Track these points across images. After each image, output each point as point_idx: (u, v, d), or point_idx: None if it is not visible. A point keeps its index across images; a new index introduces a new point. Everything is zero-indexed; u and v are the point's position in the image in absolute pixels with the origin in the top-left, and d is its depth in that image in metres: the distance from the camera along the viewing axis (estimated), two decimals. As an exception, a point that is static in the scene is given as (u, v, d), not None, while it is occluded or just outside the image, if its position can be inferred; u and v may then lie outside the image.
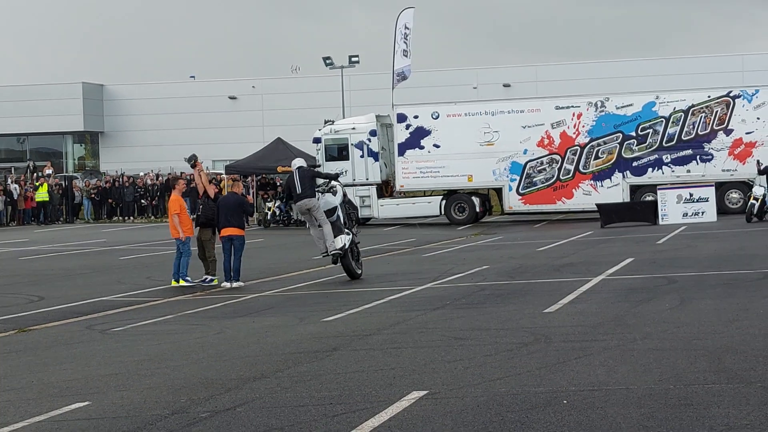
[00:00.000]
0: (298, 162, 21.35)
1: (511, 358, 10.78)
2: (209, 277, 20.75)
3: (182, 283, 20.41)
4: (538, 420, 8.09)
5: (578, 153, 37.44)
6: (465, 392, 9.25)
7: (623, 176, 37.04)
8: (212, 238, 20.98)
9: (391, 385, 9.75)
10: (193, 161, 21.55)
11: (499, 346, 11.60)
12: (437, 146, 38.49)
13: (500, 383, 9.56)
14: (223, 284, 20.27)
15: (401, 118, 38.97)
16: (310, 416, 8.65)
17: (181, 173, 47.04)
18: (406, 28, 41.83)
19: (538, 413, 8.31)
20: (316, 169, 23.92)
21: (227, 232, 20.37)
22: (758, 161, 33.73)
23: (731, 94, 36.72)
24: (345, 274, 20.33)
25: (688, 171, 36.51)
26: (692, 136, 36.65)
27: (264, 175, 44.11)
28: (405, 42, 41.66)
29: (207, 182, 21.81)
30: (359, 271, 20.56)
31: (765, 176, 31.96)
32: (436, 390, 9.37)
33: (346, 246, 20.10)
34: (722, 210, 35.02)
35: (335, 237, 20.02)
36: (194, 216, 21.68)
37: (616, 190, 36.85)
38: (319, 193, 20.81)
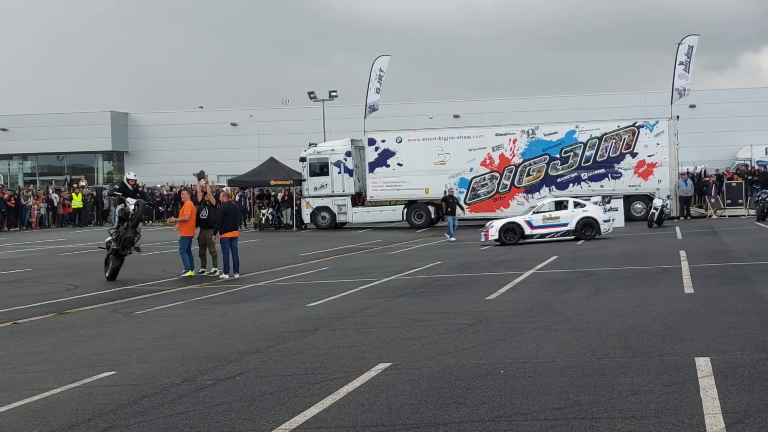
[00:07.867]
0: None
1: (459, 337, 10.79)
2: (204, 269, 20.70)
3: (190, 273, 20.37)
4: (481, 386, 8.11)
5: (514, 171, 37.62)
6: (422, 364, 9.25)
7: (549, 190, 37.19)
8: (213, 238, 20.93)
9: (362, 358, 9.74)
10: (201, 176, 21.68)
11: (450, 326, 11.62)
12: (400, 165, 38.60)
13: (450, 356, 9.57)
14: (222, 276, 20.17)
15: (371, 141, 39.08)
16: (296, 383, 8.62)
17: (191, 185, 46.95)
18: (381, 70, 42.25)
19: (480, 381, 8.33)
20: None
21: (228, 234, 20.23)
22: (445, 191, 31.88)
23: (636, 124, 37.00)
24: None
25: (602, 186, 36.76)
26: (605, 158, 36.93)
27: (260, 188, 43.92)
28: (379, 82, 42.09)
29: (210, 193, 21.73)
30: None
31: (445, 203, 30.67)
32: (398, 362, 9.37)
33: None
34: (629, 217, 35.32)
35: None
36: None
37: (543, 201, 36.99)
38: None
